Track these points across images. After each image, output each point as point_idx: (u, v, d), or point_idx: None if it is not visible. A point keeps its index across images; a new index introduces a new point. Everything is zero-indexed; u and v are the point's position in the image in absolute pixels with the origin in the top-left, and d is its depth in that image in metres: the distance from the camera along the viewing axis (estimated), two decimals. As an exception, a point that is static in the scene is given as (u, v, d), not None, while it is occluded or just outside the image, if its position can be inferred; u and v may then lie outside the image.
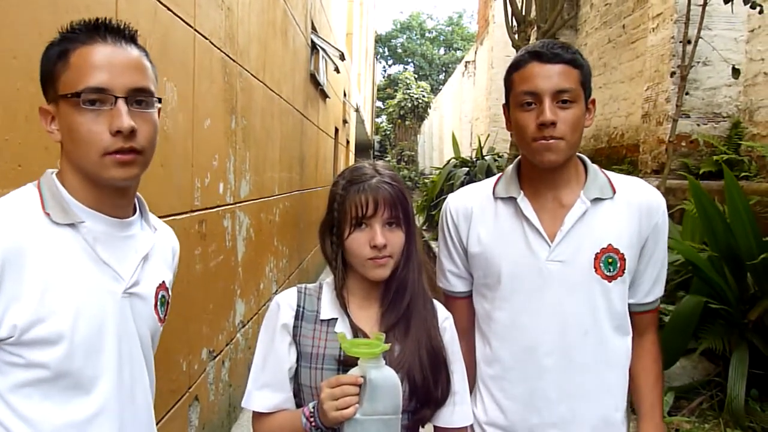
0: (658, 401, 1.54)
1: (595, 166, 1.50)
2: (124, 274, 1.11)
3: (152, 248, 1.19)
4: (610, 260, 1.42)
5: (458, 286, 1.60)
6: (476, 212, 1.53)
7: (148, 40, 2.34)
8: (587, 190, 1.44)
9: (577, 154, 1.49)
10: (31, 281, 1.00)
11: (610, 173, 1.51)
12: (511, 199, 1.48)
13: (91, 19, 1.08)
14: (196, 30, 2.98)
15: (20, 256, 0.99)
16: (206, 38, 3.16)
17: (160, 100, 1.13)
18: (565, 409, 1.43)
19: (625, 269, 1.43)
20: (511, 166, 1.55)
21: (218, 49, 3.39)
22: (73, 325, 1.02)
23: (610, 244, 1.42)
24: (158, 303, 1.20)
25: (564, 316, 1.42)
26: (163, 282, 1.23)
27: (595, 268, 1.42)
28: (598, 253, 1.42)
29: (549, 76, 1.36)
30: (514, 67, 1.43)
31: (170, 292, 1.27)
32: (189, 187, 2.92)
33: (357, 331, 1.31)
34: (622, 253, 1.42)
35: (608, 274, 1.42)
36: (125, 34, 1.08)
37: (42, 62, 1.09)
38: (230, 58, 3.65)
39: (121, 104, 1.03)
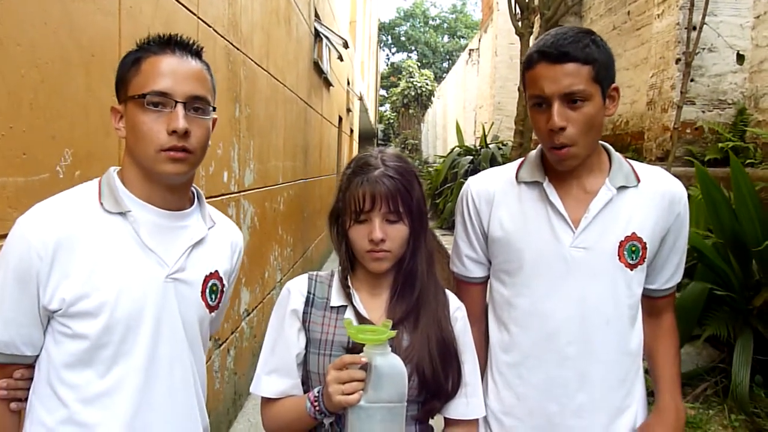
0: (677, 377, 1.54)
1: (618, 154, 1.48)
2: (169, 261, 1.23)
3: (204, 239, 1.30)
4: (633, 248, 1.41)
5: (475, 271, 1.58)
6: (498, 196, 1.51)
7: (150, 27, 2.33)
8: (613, 178, 1.42)
9: (600, 142, 1.46)
10: (80, 262, 1.15)
11: (633, 162, 1.49)
12: (536, 184, 1.46)
13: (164, 34, 1.23)
14: (199, 17, 2.98)
15: (73, 241, 1.15)
16: (209, 26, 3.15)
17: (215, 109, 1.27)
18: (584, 398, 1.42)
19: (645, 257, 1.43)
20: (534, 151, 1.53)
21: (222, 36, 3.39)
22: (115, 301, 1.16)
23: (634, 233, 1.41)
24: (207, 290, 1.30)
25: (586, 303, 1.41)
26: (216, 271, 1.32)
27: (619, 255, 1.40)
28: (622, 240, 1.40)
29: (557, 79, 1.32)
30: (526, 66, 1.40)
31: (226, 283, 1.38)
32: (194, 175, 2.92)
33: (362, 319, 1.31)
34: (645, 242, 1.41)
35: (631, 262, 1.41)
36: (192, 49, 1.25)
37: (118, 68, 1.24)
38: (234, 46, 3.65)
39: (180, 108, 1.18)
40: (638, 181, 1.44)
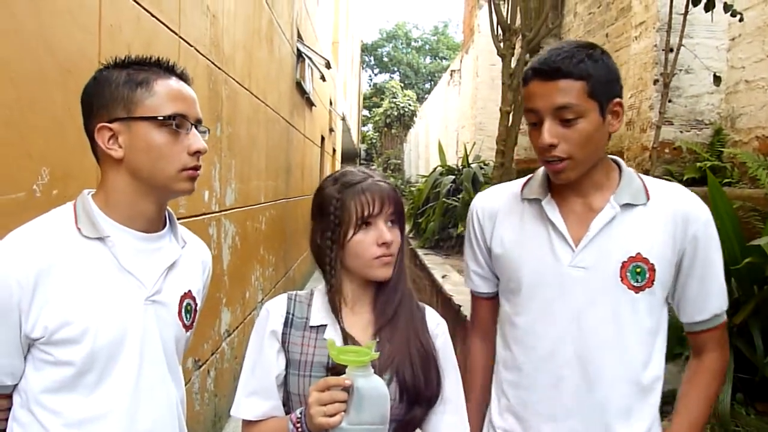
0: (695, 426, 1.39)
1: (631, 170, 1.42)
2: (147, 283, 1.23)
3: (178, 260, 1.30)
4: (638, 270, 1.33)
5: (481, 287, 1.57)
6: (501, 213, 1.49)
7: (131, 46, 2.32)
8: (618, 195, 1.36)
9: (612, 157, 1.42)
10: (61, 289, 1.14)
11: (648, 179, 1.42)
12: (537, 201, 1.42)
13: (154, 57, 1.27)
14: (180, 37, 2.97)
15: (53, 269, 1.14)
16: (191, 45, 3.15)
17: (209, 131, 1.33)
18: (578, 424, 1.36)
19: (654, 280, 1.33)
20: (541, 168, 1.47)
21: (203, 56, 3.38)
22: (97, 327, 1.16)
23: (639, 253, 1.33)
24: (183, 310, 1.31)
25: (583, 325, 1.35)
26: (189, 291, 1.33)
27: (621, 277, 1.33)
28: (625, 261, 1.33)
29: (547, 95, 1.29)
30: (522, 83, 1.38)
31: (198, 301, 1.38)
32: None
33: (347, 338, 1.29)
34: (652, 263, 1.33)
35: (635, 284, 1.33)
36: (186, 77, 1.30)
37: (104, 86, 1.21)
38: (215, 65, 3.64)
39: (195, 130, 1.24)
40: (648, 198, 1.36)
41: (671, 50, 4.24)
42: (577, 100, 1.28)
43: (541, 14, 6.02)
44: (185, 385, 3.09)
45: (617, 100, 1.33)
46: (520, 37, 6.14)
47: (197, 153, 1.23)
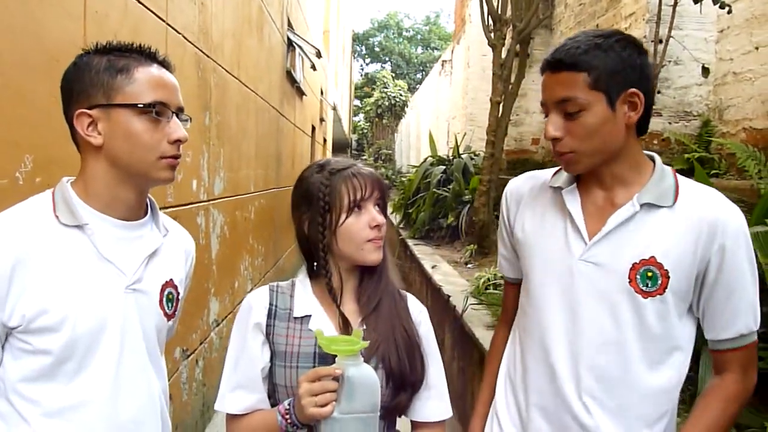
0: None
1: (667, 168, 1.35)
2: (128, 271, 1.22)
3: (159, 248, 1.29)
4: (649, 274, 1.26)
5: (508, 270, 1.57)
6: (527, 198, 1.47)
7: (118, 33, 2.30)
8: (642, 193, 1.29)
9: (649, 153, 1.37)
10: (39, 277, 1.13)
11: (685, 180, 1.34)
12: (561, 190, 1.39)
13: (137, 44, 1.24)
14: (168, 24, 2.95)
15: (31, 257, 1.12)
16: (179, 33, 3.12)
17: (190, 119, 1.33)
18: (570, 420, 1.33)
19: (667, 288, 1.26)
20: None
21: (191, 44, 3.36)
22: (76, 315, 1.14)
23: (653, 257, 1.26)
24: (164, 299, 1.30)
25: (581, 322, 1.31)
26: (171, 280, 1.32)
27: (630, 278, 1.27)
28: (636, 263, 1.27)
29: (551, 87, 1.29)
30: (541, 73, 1.35)
31: (181, 290, 1.37)
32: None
33: (347, 324, 1.29)
34: (666, 270, 1.25)
35: (644, 288, 1.26)
36: (168, 64, 1.27)
37: (84, 71, 1.19)
38: (204, 53, 3.62)
39: (175, 118, 1.23)
40: (675, 200, 1.29)
41: (660, 41, 4.25)
42: (577, 92, 1.24)
43: (532, 5, 6.01)
44: (173, 375, 3.09)
45: (632, 90, 1.26)
46: (511, 27, 6.14)
47: (177, 142, 1.22)
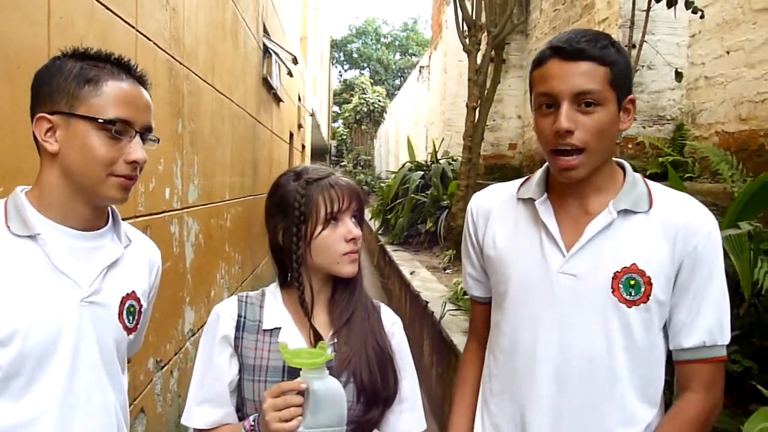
0: None
1: (637, 175, 1.32)
2: (83, 283, 1.17)
3: (119, 259, 1.25)
4: (632, 282, 1.22)
5: (476, 290, 1.49)
6: (495, 212, 1.40)
7: (84, 39, 2.25)
8: (617, 200, 1.25)
9: (617, 160, 1.33)
10: None
11: (655, 185, 1.31)
12: (532, 201, 1.33)
13: (114, 55, 1.21)
14: (138, 30, 2.90)
15: None
16: (149, 39, 3.07)
17: (159, 140, 1.29)
18: None
19: (650, 296, 1.22)
20: (543, 167, 1.38)
21: (163, 50, 3.31)
22: (27, 329, 1.10)
23: (634, 264, 1.22)
24: (124, 312, 1.25)
25: (567, 338, 1.25)
26: (133, 292, 1.28)
27: (612, 288, 1.22)
28: (618, 272, 1.22)
29: (569, 76, 1.18)
30: (535, 64, 1.25)
31: (144, 302, 1.33)
32: (132, 192, 2.82)
33: (318, 337, 1.26)
34: (649, 277, 1.22)
35: (628, 297, 1.22)
36: (144, 80, 1.24)
37: (54, 75, 1.16)
38: (176, 60, 3.57)
39: (138, 139, 1.18)
40: (650, 206, 1.26)
41: (633, 46, 4.29)
42: (599, 85, 1.19)
43: (506, 11, 6.04)
44: (147, 386, 3.03)
45: (630, 96, 1.25)
46: (486, 33, 6.17)
47: (134, 162, 1.18)
